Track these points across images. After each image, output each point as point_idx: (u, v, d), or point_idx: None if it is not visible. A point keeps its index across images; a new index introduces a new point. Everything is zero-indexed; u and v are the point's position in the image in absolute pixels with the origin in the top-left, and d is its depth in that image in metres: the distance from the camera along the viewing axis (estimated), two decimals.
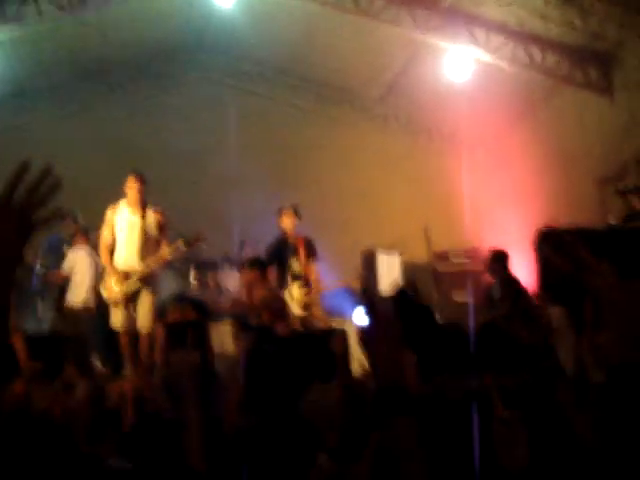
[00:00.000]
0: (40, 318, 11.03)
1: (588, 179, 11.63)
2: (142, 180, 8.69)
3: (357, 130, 15.42)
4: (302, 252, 9.79)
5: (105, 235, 8.64)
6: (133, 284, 8.47)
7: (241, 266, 10.24)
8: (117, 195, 8.79)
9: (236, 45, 15.03)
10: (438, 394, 3.70)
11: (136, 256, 8.55)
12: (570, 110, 12.43)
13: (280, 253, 9.78)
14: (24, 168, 2.01)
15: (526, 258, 10.18)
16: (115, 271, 8.51)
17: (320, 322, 9.43)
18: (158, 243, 8.65)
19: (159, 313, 8.79)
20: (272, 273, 9.85)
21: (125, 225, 8.61)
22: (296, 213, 9.91)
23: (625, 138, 10.90)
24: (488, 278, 10.03)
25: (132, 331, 8.56)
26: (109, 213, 8.65)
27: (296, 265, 9.72)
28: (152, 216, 8.66)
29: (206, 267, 12.49)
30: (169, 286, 10.89)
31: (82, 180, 12.91)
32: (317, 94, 15.55)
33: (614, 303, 5.64)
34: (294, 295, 9.59)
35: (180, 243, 8.81)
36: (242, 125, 14.65)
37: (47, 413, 5.16)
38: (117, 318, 8.56)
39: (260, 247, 10.82)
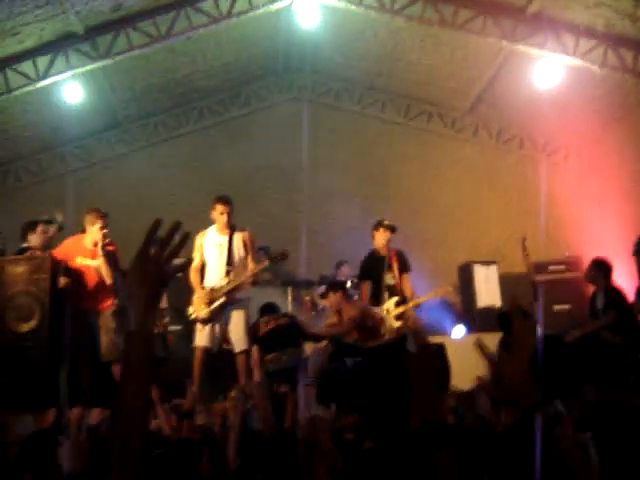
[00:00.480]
0: None
1: None
2: (228, 203, 8.93)
3: (448, 142, 15.32)
4: (396, 266, 9.80)
5: (194, 259, 8.87)
6: (218, 298, 8.64)
7: (325, 290, 10.36)
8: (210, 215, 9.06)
9: (322, 64, 15.13)
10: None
11: (224, 276, 8.80)
12: None
13: (374, 268, 9.80)
14: (157, 224, 2.19)
15: (626, 266, 9.97)
16: (203, 291, 8.77)
17: (417, 335, 9.38)
18: (247, 262, 8.84)
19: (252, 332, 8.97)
20: (366, 288, 9.89)
21: (214, 248, 8.90)
22: (390, 228, 9.92)
23: None
24: (590, 288, 9.85)
25: (212, 350, 8.82)
26: (198, 238, 8.93)
27: (390, 279, 9.73)
28: (240, 236, 8.92)
29: (303, 286, 12.58)
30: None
31: (178, 202, 13.22)
32: (406, 108, 15.49)
33: None
34: (390, 309, 9.59)
35: (264, 260, 8.98)
36: (332, 141, 14.79)
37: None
38: (201, 336, 8.76)
39: (355, 266, 10.86)
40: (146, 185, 14.00)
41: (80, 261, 8.72)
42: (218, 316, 8.75)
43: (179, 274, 9.44)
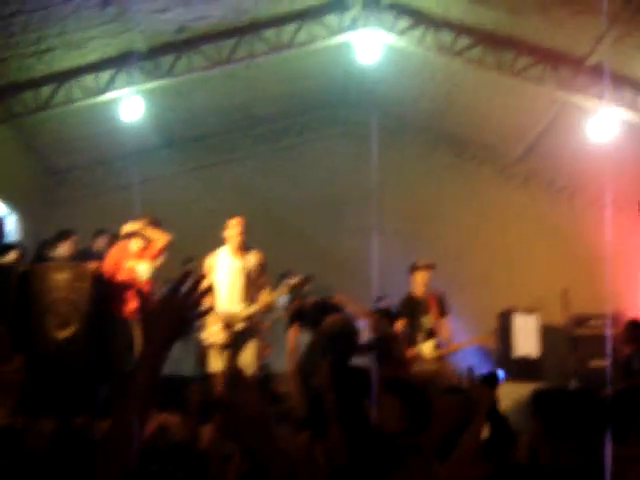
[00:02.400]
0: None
1: None
2: (241, 224, 8.76)
3: (497, 188, 15.30)
4: (434, 309, 9.71)
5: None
6: (238, 327, 8.50)
7: (370, 313, 10.17)
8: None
9: (377, 101, 15.20)
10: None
11: (239, 300, 8.58)
12: None
13: (411, 309, 9.72)
14: (187, 274, 2.20)
15: None
16: (219, 316, 8.50)
17: (449, 379, 9.28)
18: (259, 286, 8.68)
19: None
20: (401, 325, 9.80)
21: (227, 270, 8.64)
22: (427, 267, 9.85)
23: None
24: (627, 347, 9.71)
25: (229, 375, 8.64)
26: (208, 260, 8.68)
27: (427, 322, 9.64)
28: (252, 259, 8.71)
29: None
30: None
31: (221, 226, 13.37)
32: (457, 150, 15.53)
33: None
34: (425, 351, 9.50)
35: (284, 287, 8.86)
36: (381, 178, 14.77)
37: None
38: (217, 362, 8.52)
39: (395, 301, 10.81)
40: (193, 206, 14.11)
41: (130, 264, 8.75)
42: (233, 342, 8.55)
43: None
